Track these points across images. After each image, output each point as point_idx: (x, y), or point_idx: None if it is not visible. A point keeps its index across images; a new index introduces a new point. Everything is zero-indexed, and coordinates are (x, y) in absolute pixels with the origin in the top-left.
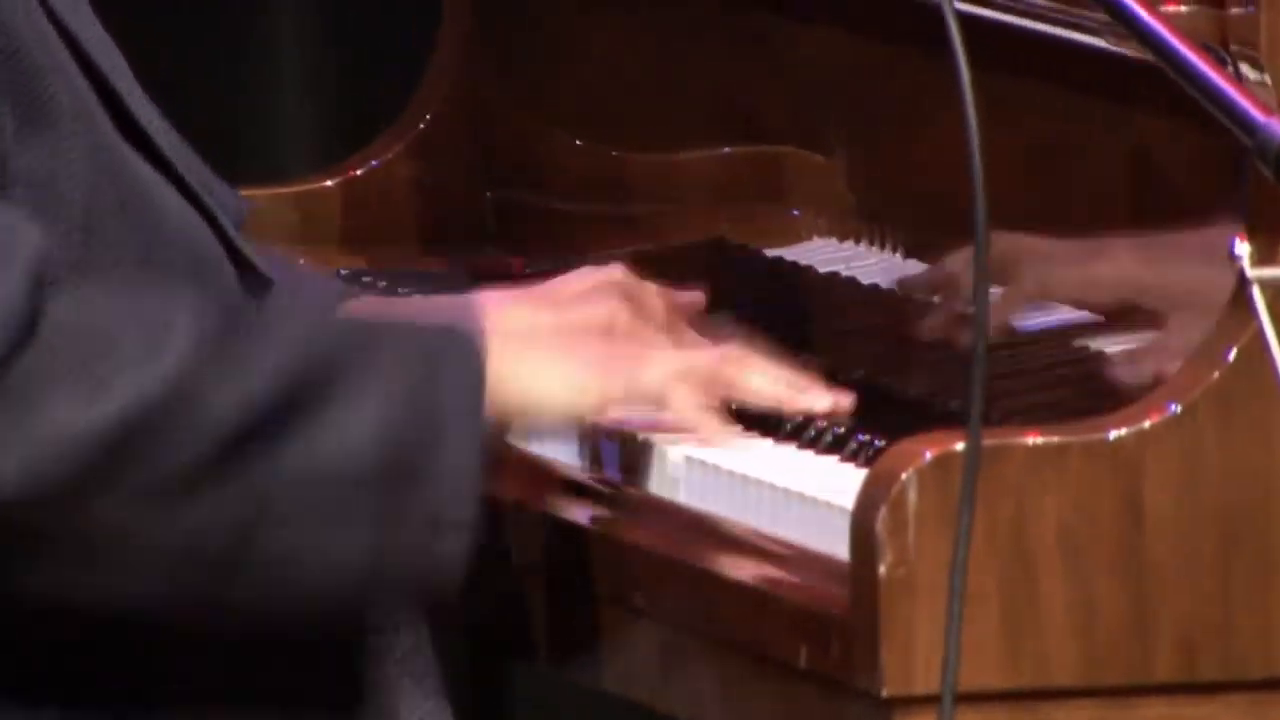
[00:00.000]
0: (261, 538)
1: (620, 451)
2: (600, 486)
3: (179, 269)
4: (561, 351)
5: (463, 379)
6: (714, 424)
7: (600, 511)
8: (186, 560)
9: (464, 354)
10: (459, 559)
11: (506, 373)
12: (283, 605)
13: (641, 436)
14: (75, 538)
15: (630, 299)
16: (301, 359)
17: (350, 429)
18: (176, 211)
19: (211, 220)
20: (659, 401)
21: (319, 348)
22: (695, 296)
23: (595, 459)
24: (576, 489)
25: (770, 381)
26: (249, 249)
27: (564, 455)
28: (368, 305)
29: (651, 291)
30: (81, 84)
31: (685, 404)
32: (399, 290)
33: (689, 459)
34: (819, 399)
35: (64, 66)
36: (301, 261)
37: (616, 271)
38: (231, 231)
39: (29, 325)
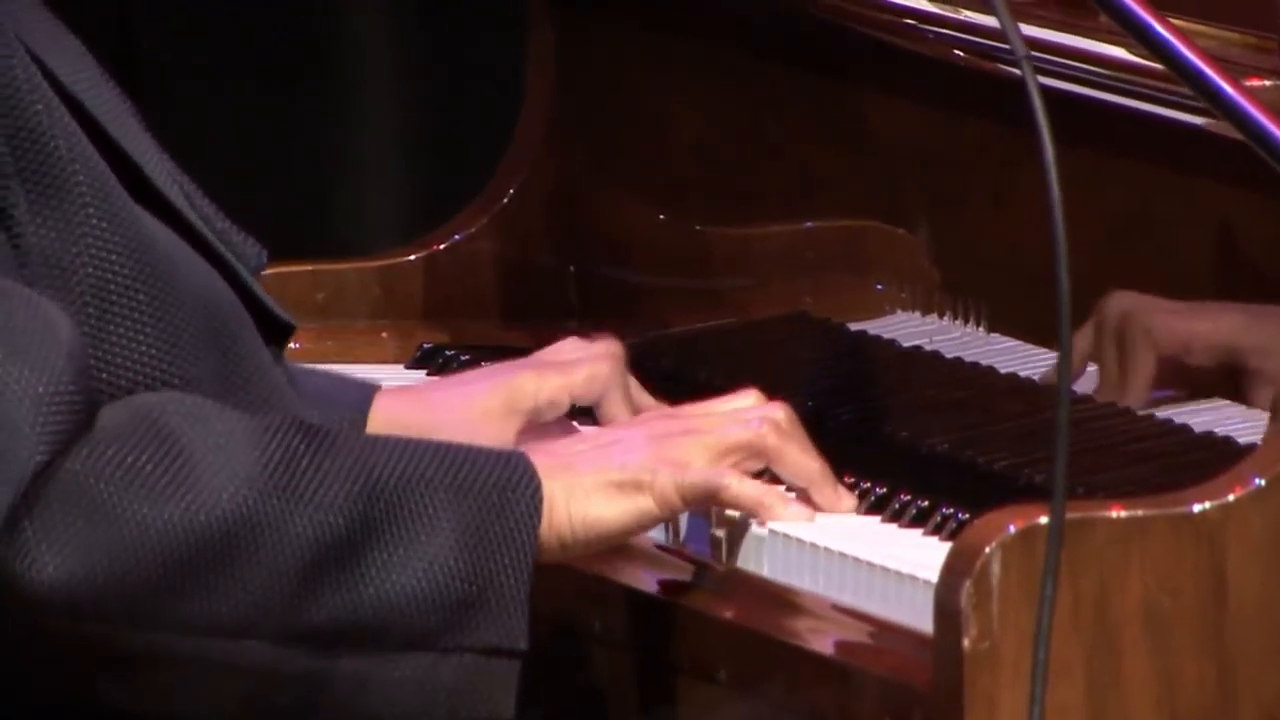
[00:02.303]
0: (342, 662)
1: (704, 525)
2: (684, 560)
3: (197, 325)
4: (605, 464)
5: (520, 513)
6: (777, 496)
7: (684, 584)
8: (271, 681)
9: (519, 488)
10: (511, 686)
11: (561, 505)
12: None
13: (726, 510)
14: (161, 652)
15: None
16: (367, 492)
17: (421, 558)
18: (194, 271)
19: (229, 273)
20: (712, 497)
21: (383, 482)
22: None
23: (677, 533)
24: (659, 562)
25: (807, 460)
26: (268, 299)
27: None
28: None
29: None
30: (94, 155)
31: (739, 493)
32: (481, 364)
33: (773, 532)
34: (844, 497)
35: (76, 140)
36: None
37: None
38: (249, 282)
39: (83, 414)
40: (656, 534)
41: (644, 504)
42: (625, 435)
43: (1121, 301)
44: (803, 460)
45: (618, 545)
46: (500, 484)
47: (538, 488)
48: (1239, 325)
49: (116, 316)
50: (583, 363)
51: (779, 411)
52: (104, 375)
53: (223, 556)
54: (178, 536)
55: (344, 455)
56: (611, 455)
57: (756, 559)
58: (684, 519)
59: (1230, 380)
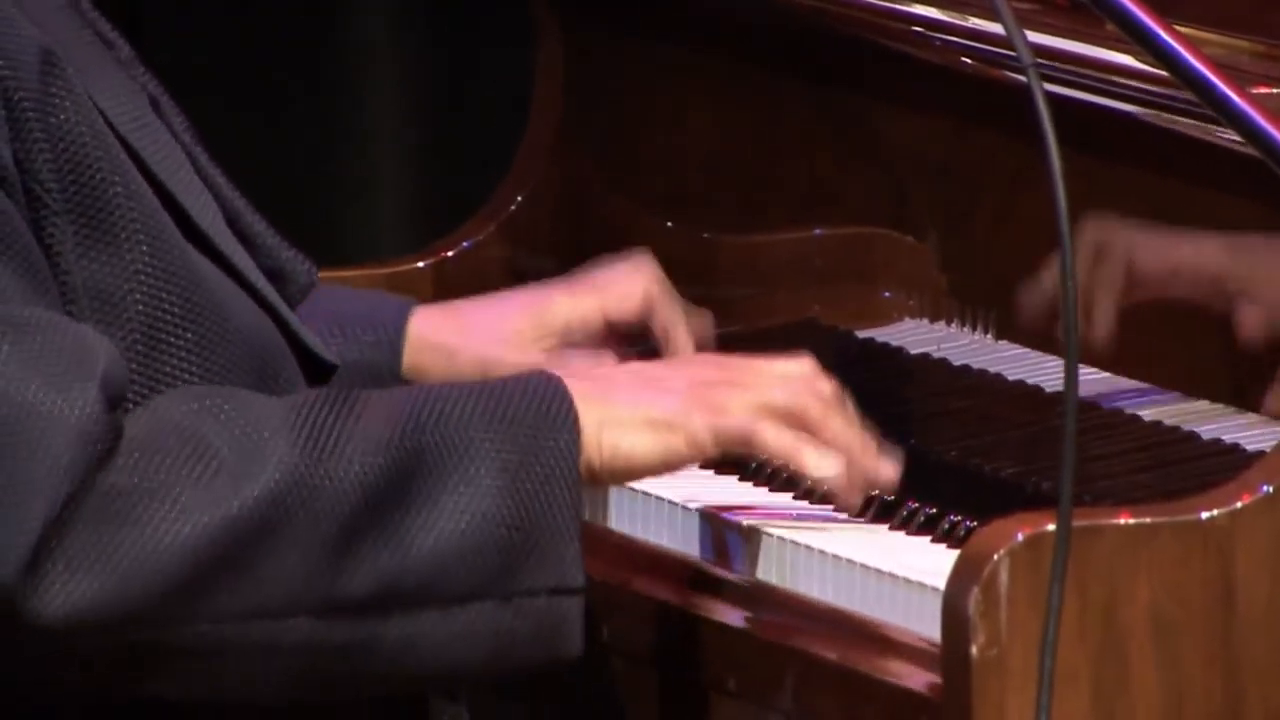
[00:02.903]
0: (390, 624)
1: (708, 530)
2: (691, 566)
3: (242, 362)
4: (643, 399)
5: (561, 446)
6: (808, 454)
7: (690, 591)
8: (317, 653)
9: (557, 421)
10: (577, 622)
11: (593, 433)
12: (409, 683)
13: (729, 516)
14: (201, 643)
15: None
16: (400, 443)
17: (464, 508)
18: (241, 310)
19: (273, 313)
20: (745, 442)
21: (415, 431)
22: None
23: (688, 538)
24: (666, 567)
25: (848, 428)
26: (311, 338)
27: (653, 536)
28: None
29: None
30: (146, 193)
31: (774, 441)
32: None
33: (780, 539)
34: (884, 465)
35: (129, 177)
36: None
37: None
38: (292, 322)
39: (112, 439)
40: (660, 539)
41: (675, 443)
42: (667, 374)
43: (1098, 231)
44: (844, 431)
45: (642, 478)
46: (537, 420)
47: (575, 419)
48: (1221, 251)
49: (165, 352)
50: (616, 282)
51: (825, 383)
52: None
53: (259, 543)
54: (210, 534)
55: (371, 418)
56: (650, 391)
57: (764, 565)
58: (691, 524)
59: (1246, 391)
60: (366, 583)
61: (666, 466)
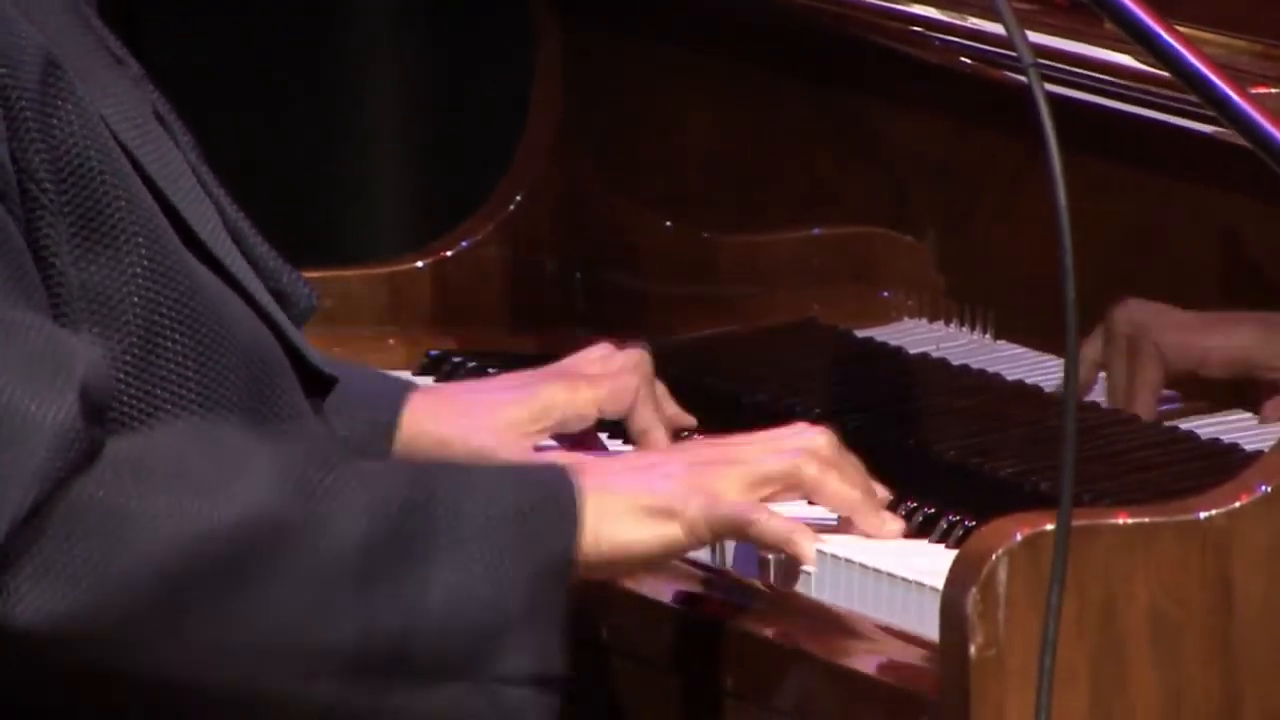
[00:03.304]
0: (360, 689)
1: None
2: (686, 567)
3: (238, 372)
4: (639, 488)
5: (559, 541)
6: (804, 534)
7: (685, 591)
8: (285, 707)
9: (559, 515)
10: (551, 714)
11: (590, 526)
12: None
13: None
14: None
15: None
16: (395, 506)
17: (449, 584)
18: (239, 320)
19: (273, 325)
20: (740, 532)
21: (412, 499)
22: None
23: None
24: (665, 570)
25: (847, 489)
26: (310, 351)
27: None
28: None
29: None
30: (147, 199)
31: (769, 532)
32: (488, 371)
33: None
34: (887, 522)
35: (127, 181)
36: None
37: (638, 358)
38: (292, 334)
39: (89, 449)
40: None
41: (673, 532)
42: (663, 460)
43: (1133, 312)
44: (842, 490)
45: (639, 569)
46: (539, 511)
47: (576, 514)
48: (1253, 337)
49: (162, 356)
50: (611, 377)
51: (820, 439)
52: (144, 412)
53: (232, 580)
54: (181, 560)
55: (370, 476)
56: (647, 479)
57: (759, 566)
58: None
59: (1244, 391)
60: (342, 639)
61: (667, 555)
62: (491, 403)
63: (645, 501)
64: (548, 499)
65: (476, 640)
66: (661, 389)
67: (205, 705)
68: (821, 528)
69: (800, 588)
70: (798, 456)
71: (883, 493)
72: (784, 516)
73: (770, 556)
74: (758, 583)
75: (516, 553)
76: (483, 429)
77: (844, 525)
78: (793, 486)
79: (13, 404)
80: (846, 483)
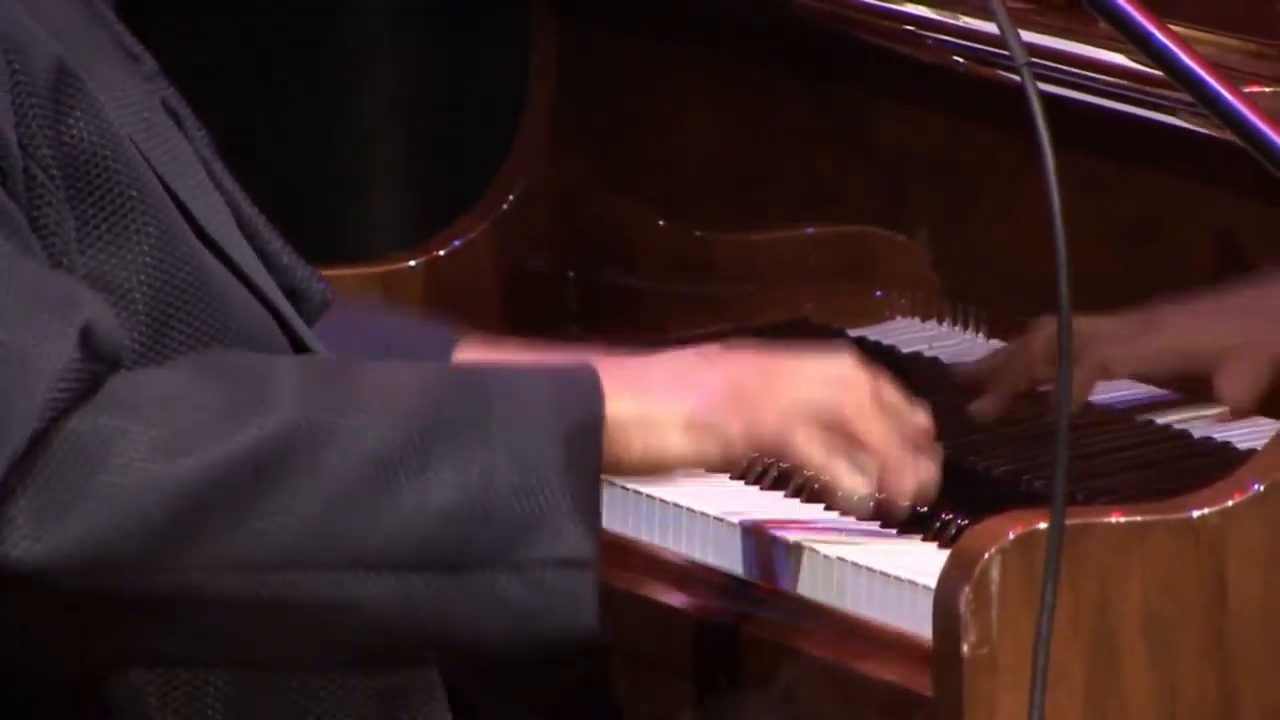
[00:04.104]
0: (395, 581)
1: (697, 529)
2: (683, 567)
3: None
4: (678, 398)
5: (585, 424)
6: (841, 468)
7: (681, 591)
8: (319, 610)
9: (586, 398)
10: (591, 596)
11: (625, 429)
12: (426, 650)
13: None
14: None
15: None
16: (418, 406)
17: (475, 474)
18: (244, 311)
19: (280, 319)
20: (779, 452)
21: (436, 399)
22: None
23: (676, 539)
24: (655, 566)
25: (887, 432)
26: (317, 346)
27: (645, 535)
28: (478, 352)
29: None
30: (155, 189)
31: (808, 454)
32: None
33: (772, 539)
34: (923, 471)
35: (137, 172)
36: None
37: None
38: (299, 329)
39: (91, 386)
40: (669, 544)
41: (708, 445)
42: (706, 371)
43: (1076, 330)
44: (882, 435)
45: (671, 474)
46: (564, 397)
47: (599, 404)
48: (1191, 330)
49: (169, 347)
50: None
51: (867, 381)
52: None
53: (251, 489)
54: (195, 475)
55: (391, 380)
56: (687, 392)
57: (757, 565)
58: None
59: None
60: (370, 538)
61: (698, 466)
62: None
63: (684, 413)
64: (576, 391)
65: (509, 527)
66: None
67: (238, 632)
68: (815, 528)
69: (794, 586)
70: (843, 396)
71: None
72: (821, 445)
73: (753, 548)
74: (749, 580)
75: (546, 442)
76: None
77: (840, 524)
78: (832, 423)
79: (12, 342)
80: (884, 434)
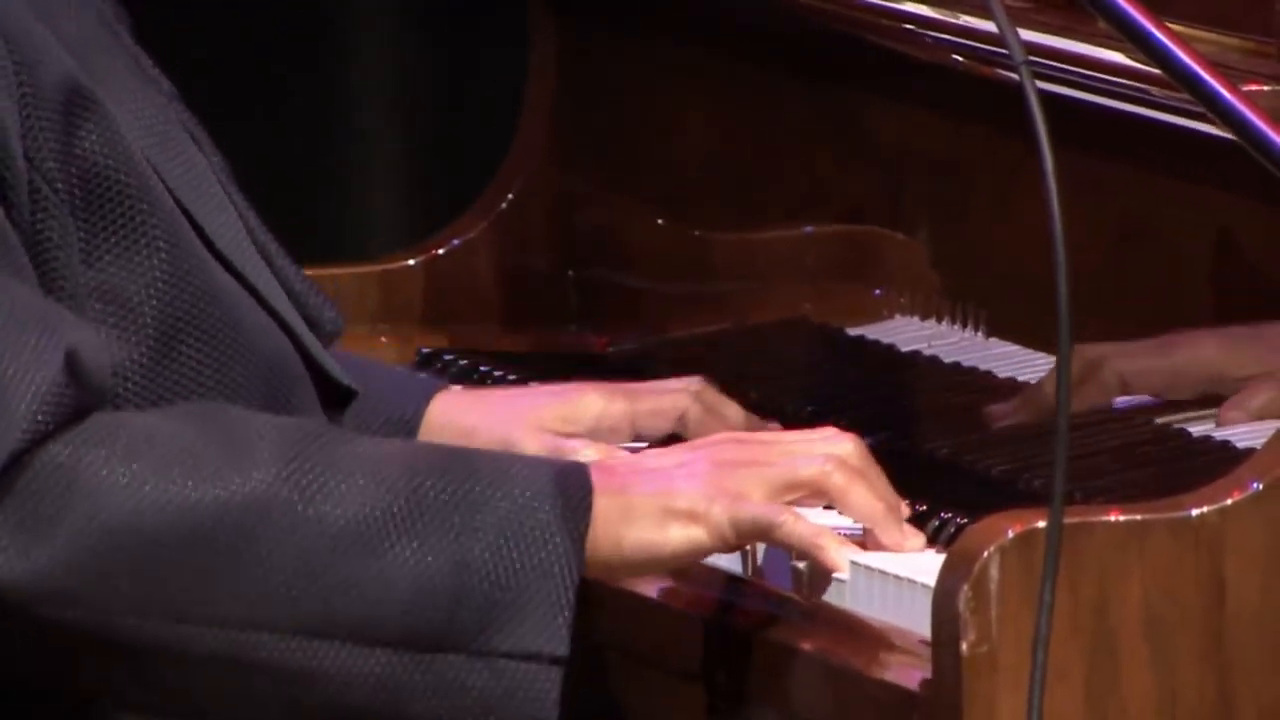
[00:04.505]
0: (363, 658)
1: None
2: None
3: (255, 382)
4: (663, 489)
5: (568, 517)
6: (830, 538)
7: (678, 590)
8: (280, 676)
9: (572, 503)
10: (551, 695)
11: (613, 528)
12: None
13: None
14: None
15: (708, 410)
16: (401, 481)
17: (454, 555)
18: (255, 326)
19: (292, 336)
20: (765, 535)
21: (421, 476)
22: (772, 427)
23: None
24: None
25: (873, 500)
26: (330, 363)
27: None
28: (458, 402)
29: (730, 406)
30: (167, 203)
31: (793, 530)
32: (480, 369)
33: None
34: (909, 537)
35: (148, 186)
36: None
37: (695, 384)
38: (311, 345)
39: (73, 414)
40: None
41: (696, 534)
42: (688, 459)
43: (1088, 351)
44: (867, 501)
45: (663, 570)
46: (548, 489)
47: (588, 496)
48: (1218, 352)
49: (178, 360)
50: (656, 395)
51: (848, 446)
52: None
53: (224, 541)
54: (170, 519)
55: (375, 454)
56: (670, 480)
57: (754, 564)
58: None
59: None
60: (339, 608)
61: (691, 556)
62: (522, 401)
63: (669, 502)
64: (561, 485)
65: (478, 610)
66: (736, 413)
67: (197, 683)
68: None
69: (794, 586)
70: (826, 463)
71: (904, 507)
72: (810, 521)
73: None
74: (747, 578)
75: (524, 532)
76: (510, 422)
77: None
78: (818, 493)
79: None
80: (872, 494)
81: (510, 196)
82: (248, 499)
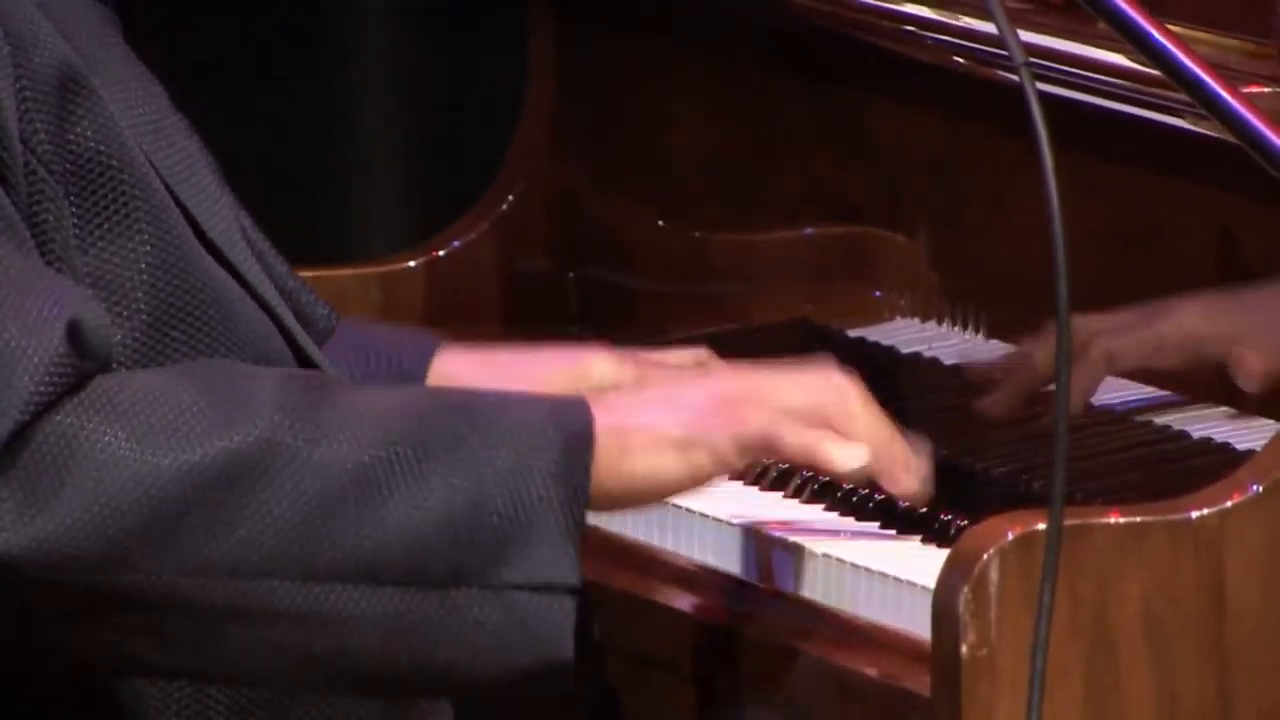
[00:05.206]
0: (374, 598)
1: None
2: (678, 567)
3: None
4: (662, 420)
5: (571, 447)
6: (831, 446)
7: (677, 591)
8: (297, 623)
9: (572, 423)
10: (568, 623)
11: (614, 459)
12: (371, 674)
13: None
14: (170, 599)
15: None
16: (401, 424)
17: (456, 490)
18: (246, 316)
19: (283, 329)
20: (767, 448)
21: (419, 416)
22: None
23: (675, 539)
24: (649, 563)
25: (874, 420)
26: (320, 357)
27: (643, 536)
28: (460, 358)
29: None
30: (159, 190)
31: (796, 441)
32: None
33: (769, 539)
34: (913, 478)
35: (140, 173)
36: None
37: (701, 354)
38: (301, 339)
39: (78, 380)
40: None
41: (699, 459)
42: (686, 390)
43: (1081, 326)
44: (870, 423)
45: (666, 498)
46: (549, 422)
47: (589, 427)
48: (1199, 319)
49: (169, 347)
50: (661, 362)
51: (847, 382)
52: None
53: (230, 496)
54: (177, 477)
55: (373, 397)
56: (670, 410)
57: (755, 566)
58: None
59: (1235, 391)
60: (349, 550)
61: (694, 483)
62: (529, 359)
63: (670, 432)
64: (561, 418)
65: (485, 544)
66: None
67: (210, 639)
68: (814, 528)
69: (794, 587)
70: (825, 394)
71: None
72: (811, 429)
73: (750, 549)
74: (747, 580)
75: (527, 465)
76: (515, 379)
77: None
78: (818, 420)
79: (3, 330)
80: (879, 420)
81: (510, 198)
82: (250, 450)
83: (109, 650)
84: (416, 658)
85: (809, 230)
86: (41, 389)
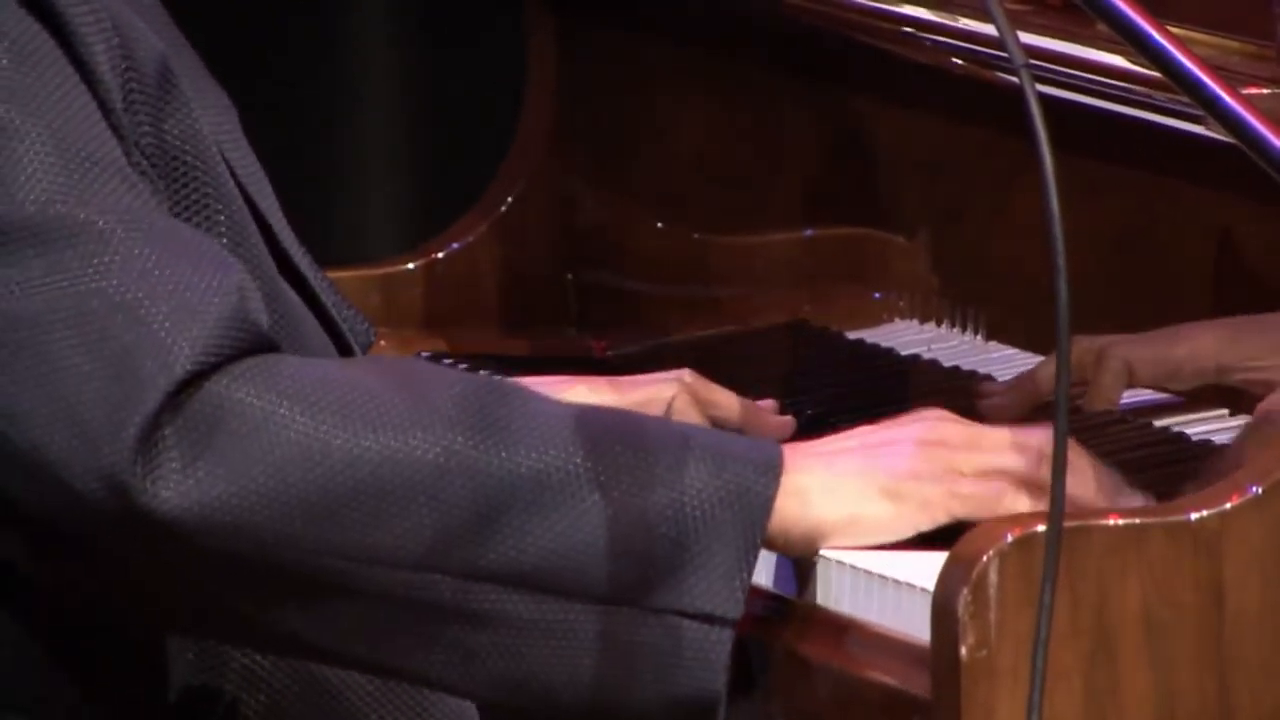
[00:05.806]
0: (534, 604)
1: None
2: None
3: None
4: (872, 469)
5: (756, 488)
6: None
7: None
8: (453, 618)
9: (761, 467)
10: (722, 661)
11: (814, 496)
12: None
13: None
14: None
15: (697, 397)
16: (581, 442)
17: (632, 508)
18: (313, 329)
19: (345, 346)
20: (990, 510)
21: (600, 429)
22: (768, 404)
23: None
24: None
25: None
26: None
27: None
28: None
29: (721, 392)
30: (237, 199)
31: (1015, 506)
32: (479, 372)
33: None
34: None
35: (220, 180)
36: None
37: (685, 375)
38: (357, 352)
39: (248, 347)
40: None
41: (908, 510)
42: (894, 437)
43: (1094, 340)
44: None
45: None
46: (736, 454)
47: (777, 464)
48: (1220, 342)
49: None
50: (644, 386)
51: (1046, 445)
52: None
53: (403, 492)
54: (346, 464)
55: (553, 408)
56: (878, 457)
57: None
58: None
59: (1235, 393)
60: (517, 554)
61: (898, 534)
62: None
63: (879, 480)
64: (749, 453)
65: (654, 565)
66: (731, 401)
67: (367, 616)
68: None
69: (793, 590)
70: (1038, 462)
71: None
72: (1031, 500)
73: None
74: (753, 583)
75: (708, 494)
76: None
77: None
78: (1023, 487)
79: (184, 280)
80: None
81: (510, 199)
82: (428, 452)
83: (244, 623)
84: (569, 670)
85: (808, 232)
86: (215, 343)
